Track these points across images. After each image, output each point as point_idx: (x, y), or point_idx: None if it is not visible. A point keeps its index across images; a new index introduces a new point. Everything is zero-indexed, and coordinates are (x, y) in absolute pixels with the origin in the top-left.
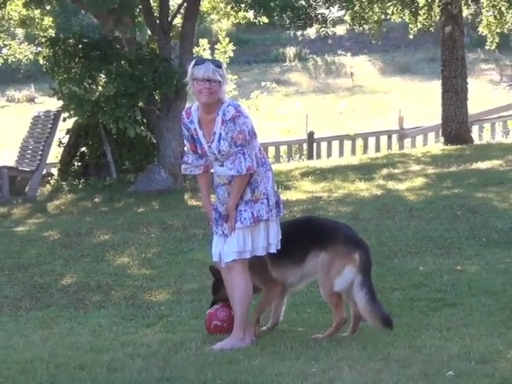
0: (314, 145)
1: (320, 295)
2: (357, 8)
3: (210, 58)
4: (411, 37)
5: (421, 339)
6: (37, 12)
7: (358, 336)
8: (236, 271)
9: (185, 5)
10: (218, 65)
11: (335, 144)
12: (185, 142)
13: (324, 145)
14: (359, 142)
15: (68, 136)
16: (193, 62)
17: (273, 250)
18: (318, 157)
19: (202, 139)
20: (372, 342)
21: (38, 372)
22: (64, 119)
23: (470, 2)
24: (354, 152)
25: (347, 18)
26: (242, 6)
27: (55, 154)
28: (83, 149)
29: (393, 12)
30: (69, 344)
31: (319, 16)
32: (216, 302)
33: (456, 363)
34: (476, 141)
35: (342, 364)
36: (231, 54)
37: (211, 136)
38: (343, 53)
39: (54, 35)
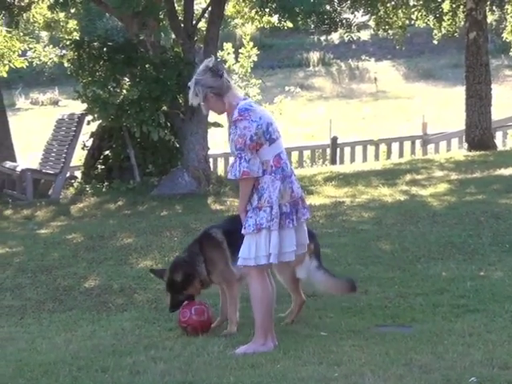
0: (338, 150)
1: (343, 300)
2: (381, 13)
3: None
4: (435, 42)
5: (443, 345)
6: (61, 15)
7: (380, 341)
8: (252, 277)
9: (209, 9)
10: (197, 81)
11: (358, 149)
12: None
13: (347, 150)
14: (382, 148)
15: (92, 139)
16: None
17: (272, 260)
18: (342, 162)
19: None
20: (394, 347)
21: (60, 374)
22: (88, 122)
23: (494, 8)
24: (377, 157)
25: (372, 23)
26: (267, 10)
27: (79, 156)
28: (107, 152)
29: (417, 17)
30: (91, 347)
31: (344, 21)
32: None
33: (479, 369)
34: (500, 147)
35: (364, 369)
36: (255, 59)
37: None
38: (367, 58)
39: (78, 38)
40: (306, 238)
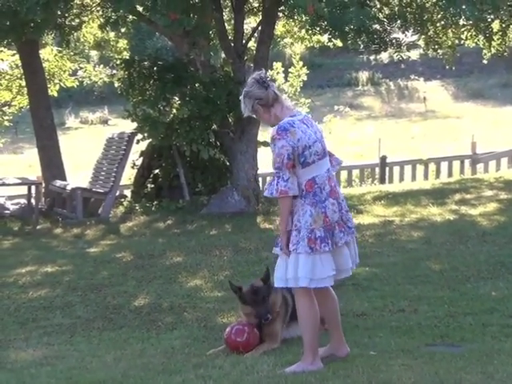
0: (387, 169)
1: (392, 319)
2: (431, 33)
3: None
4: (485, 62)
5: (493, 365)
6: (112, 34)
7: (430, 360)
8: (298, 297)
9: (259, 28)
10: (245, 93)
11: (407, 168)
12: None
13: (396, 169)
14: (432, 167)
15: (141, 158)
16: None
17: (303, 283)
18: (391, 181)
19: None
20: (444, 366)
21: None
22: (137, 141)
23: None
24: (426, 177)
25: (421, 42)
26: (317, 29)
27: (128, 175)
28: (156, 171)
29: (467, 37)
30: (141, 365)
31: (393, 40)
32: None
33: None
34: None
35: None
36: (305, 78)
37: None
38: (416, 77)
39: (128, 57)
40: (349, 263)
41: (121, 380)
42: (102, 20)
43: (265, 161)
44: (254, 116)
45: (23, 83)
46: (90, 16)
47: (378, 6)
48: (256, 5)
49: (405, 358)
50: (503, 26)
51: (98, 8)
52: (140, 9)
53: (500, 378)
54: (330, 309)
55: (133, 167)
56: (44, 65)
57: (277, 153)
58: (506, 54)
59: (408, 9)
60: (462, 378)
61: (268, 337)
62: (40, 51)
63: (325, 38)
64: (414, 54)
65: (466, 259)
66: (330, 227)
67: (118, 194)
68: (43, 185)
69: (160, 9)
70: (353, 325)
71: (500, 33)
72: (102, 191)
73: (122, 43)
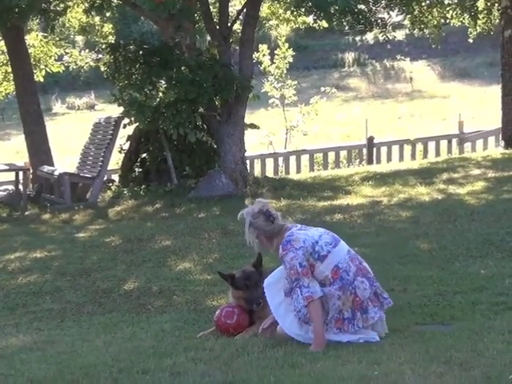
0: (374, 149)
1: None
2: (416, 12)
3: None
4: (470, 41)
5: (483, 342)
6: (97, 19)
7: (420, 339)
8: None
9: (244, 10)
10: (251, 223)
11: (395, 149)
12: None
13: (384, 150)
14: (419, 147)
15: (129, 142)
16: None
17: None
18: (378, 161)
19: None
20: (434, 345)
21: (101, 376)
22: (124, 126)
23: None
24: (413, 157)
25: (407, 22)
26: (302, 10)
27: (116, 160)
28: (144, 155)
29: (452, 16)
30: (131, 348)
31: (379, 20)
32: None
33: None
34: None
35: (404, 367)
36: (290, 60)
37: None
38: (402, 58)
39: (113, 42)
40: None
41: (111, 364)
42: (86, 4)
43: (252, 143)
44: (256, 242)
45: (9, 69)
46: (74, 1)
47: None
48: None
49: (395, 337)
50: (488, 4)
51: None
52: None
53: (490, 356)
54: None
55: (120, 151)
56: (30, 50)
57: (289, 267)
58: (491, 32)
59: None
60: (452, 356)
61: (259, 319)
62: (25, 37)
63: (310, 19)
64: (400, 34)
65: (455, 238)
66: (362, 306)
67: (105, 178)
68: (31, 171)
69: None
70: None
71: (485, 11)
72: (89, 176)
73: (108, 28)
